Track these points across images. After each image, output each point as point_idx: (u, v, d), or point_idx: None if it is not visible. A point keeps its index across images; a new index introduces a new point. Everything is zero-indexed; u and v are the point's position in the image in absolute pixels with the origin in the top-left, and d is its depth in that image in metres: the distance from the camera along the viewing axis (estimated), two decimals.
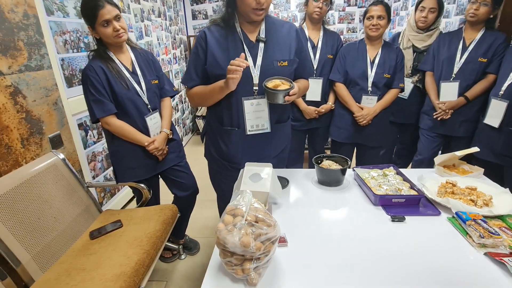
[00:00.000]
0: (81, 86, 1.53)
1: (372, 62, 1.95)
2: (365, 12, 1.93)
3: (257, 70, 1.23)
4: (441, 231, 0.95)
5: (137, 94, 1.54)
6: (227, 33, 1.24)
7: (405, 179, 1.19)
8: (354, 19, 4.16)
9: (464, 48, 1.97)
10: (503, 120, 1.70)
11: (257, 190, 1.03)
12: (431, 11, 2.10)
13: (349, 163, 1.24)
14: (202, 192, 2.01)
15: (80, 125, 2.07)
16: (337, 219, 1.04)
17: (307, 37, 2.03)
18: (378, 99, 1.97)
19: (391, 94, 1.99)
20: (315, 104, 2.11)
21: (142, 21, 2.95)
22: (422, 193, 1.09)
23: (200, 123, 4.53)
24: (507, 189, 1.09)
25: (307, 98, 2.08)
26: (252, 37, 1.25)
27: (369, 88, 1.96)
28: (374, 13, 1.85)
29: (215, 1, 4.26)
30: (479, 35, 1.93)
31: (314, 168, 2.32)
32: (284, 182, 1.26)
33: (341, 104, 2.07)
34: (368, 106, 1.98)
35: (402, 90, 2.06)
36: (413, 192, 1.10)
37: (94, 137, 2.22)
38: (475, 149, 1.27)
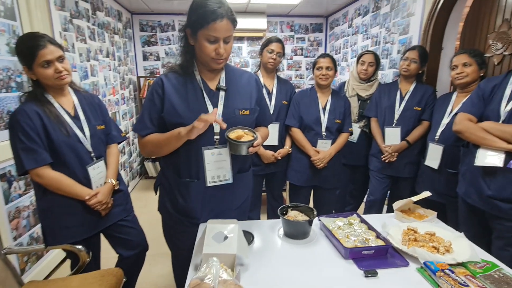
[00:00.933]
0: (6, 131, 1.30)
1: (324, 109, 2.06)
2: (314, 63, 2.08)
3: (218, 119, 1.17)
4: (413, 285, 0.92)
5: (79, 141, 1.36)
6: (186, 80, 1.18)
7: (370, 227, 1.19)
8: (301, 66, 4.50)
9: (401, 98, 2.20)
10: (441, 162, 1.87)
11: (223, 253, 0.92)
12: (370, 64, 2.35)
13: (315, 213, 1.20)
14: (153, 246, 1.78)
15: (3, 176, 1.75)
16: (310, 277, 0.96)
17: (263, 84, 2.09)
18: (332, 143, 2.06)
19: (342, 138, 2.10)
20: (272, 148, 2.11)
21: (88, 60, 2.78)
22: (389, 242, 1.08)
23: (149, 166, 4.24)
24: (462, 233, 1.14)
25: (265, 143, 2.07)
26: (212, 85, 1.21)
27: (323, 133, 2.04)
28: (323, 64, 1.99)
29: (167, 44, 4.27)
30: (412, 87, 2.18)
31: (271, 212, 2.26)
32: (249, 237, 1.16)
33: (298, 148, 2.11)
34: (323, 150, 2.04)
35: (351, 133, 2.19)
36: (380, 242, 1.08)
37: (20, 189, 1.88)
38: (427, 193, 1.33)
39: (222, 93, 1.20)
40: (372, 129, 2.33)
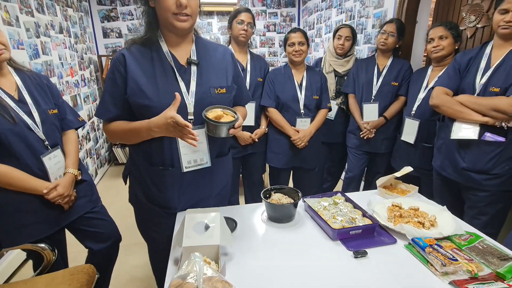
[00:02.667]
0: None
1: (300, 86, 1.99)
2: (286, 39, 1.97)
3: (191, 97, 1.05)
4: (402, 262, 0.91)
5: (28, 128, 1.18)
6: (152, 54, 1.04)
7: (355, 206, 1.16)
8: (274, 43, 4.36)
9: (379, 73, 2.17)
10: (417, 137, 1.89)
11: (206, 244, 0.84)
12: (347, 39, 2.28)
13: (299, 194, 1.15)
14: (127, 236, 1.67)
15: None
16: (299, 262, 0.91)
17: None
18: (311, 121, 2.01)
19: (321, 115, 2.05)
20: (249, 128, 2.02)
21: (38, 37, 2.46)
22: (376, 220, 1.06)
23: (119, 152, 4.00)
24: (445, 206, 1.15)
25: None
26: (182, 60, 1.07)
27: (302, 111, 1.98)
28: (295, 39, 1.90)
29: (130, 20, 3.92)
30: (389, 61, 2.16)
31: (250, 197, 2.20)
32: (231, 224, 1.09)
33: (275, 129, 2.04)
34: (303, 128, 1.99)
35: (330, 109, 2.14)
36: (367, 221, 1.06)
37: None
38: (409, 169, 1.33)
39: (194, 68, 1.07)
40: (350, 106, 2.31)
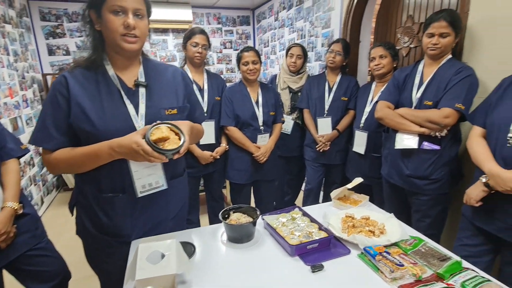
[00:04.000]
0: None
1: (257, 103, 2.04)
2: (239, 58, 2.03)
3: (141, 120, 1.03)
4: (356, 271, 0.96)
5: None
6: (97, 78, 1.00)
7: (312, 219, 1.20)
8: (231, 60, 4.44)
9: (330, 89, 2.31)
10: (366, 148, 2.03)
11: (161, 275, 0.81)
12: (298, 57, 2.41)
13: (258, 212, 1.16)
14: (78, 270, 1.54)
15: None
16: (258, 282, 0.91)
17: (192, 80, 1.96)
18: (269, 136, 2.06)
19: (277, 129, 2.13)
20: (209, 146, 2.01)
21: None
22: (331, 233, 1.10)
23: (68, 177, 3.71)
24: (392, 214, 1.23)
25: (202, 142, 1.96)
26: (129, 82, 1.05)
27: (261, 127, 2.03)
28: (248, 59, 1.96)
29: (78, 36, 3.74)
30: (338, 78, 2.31)
31: (212, 213, 2.17)
32: (189, 249, 1.06)
33: (236, 147, 2.05)
34: (263, 144, 2.03)
35: (283, 122, 2.22)
36: (323, 234, 1.10)
37: None
38: (359, 180, 1.41)
39: (142, 91, 1.05)
40: (305, 120, 2.41)
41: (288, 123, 2.46)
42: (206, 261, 1.03)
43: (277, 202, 2.87)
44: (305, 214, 1.25)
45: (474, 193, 1.26)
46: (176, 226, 1.21)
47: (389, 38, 2.27)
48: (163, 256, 0.86)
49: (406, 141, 1.59)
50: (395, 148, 1.63)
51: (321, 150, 2.29)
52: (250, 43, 4.42)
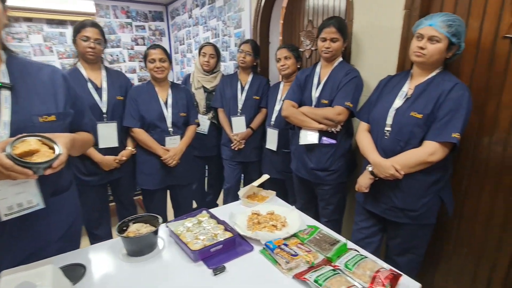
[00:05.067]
0: None
1: (166, 103, 1.94)
2: (145, 55, 1.91)
3: (6, 129, 0.86)
4: (258, 267, 0.98)
5: None
6: None
7: (219, 221, 1.19)
8: None
9: (242, 88, 2.34)
10: (278, 144, 2.13)
11: None
12: (211, 56, 2.39)
13: (159, 220, 1.10)
14: None
15: None
16: None
17: (86, 78, 1.75)
18: (181, 138, 1.98)
19: (190, 131, 2.05)
20: (113, 151, 1.83)
21: None
22: (236, 232, 1.11)
23: None
24: (293, 207, 1.31)
25: (102, 146, 1.77)
26: None
27: (170, 129, 1.93)
28: (155, 56, 1.86)
29: None
30: (250, 78, 2.36)
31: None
32: (78, 272, 0.94)
33: (144, 150, 1.92)
34: (173, 146, 1.94)
35: (198, 125, 2.16)
36: (228, 234, 1.10)
37: None
38: (266, 176, 1.47)
39: (6, 93, 0.88)
40: (220, 120, 2.40)
41: (204, 123, 2.43)
42: (101, 281, 0.93)
43: (198, 204, 2.82)
44: (212, 216, 1.24)
45: (363, 181, 1.42)
46: (66, 247, 1.07)
47: (295, 40, 2.42)
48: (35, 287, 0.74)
49: (309, 137, 1.72)
50: (300, 144, 1.75)
51: (236, 149, 2.32)
52: (165, 40, 4.21)
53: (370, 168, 1.38)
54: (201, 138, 2.42)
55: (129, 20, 3.92)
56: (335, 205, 1.80)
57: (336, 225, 1.90)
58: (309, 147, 1.74)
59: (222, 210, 1.33)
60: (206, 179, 2.79)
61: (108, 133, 1.77)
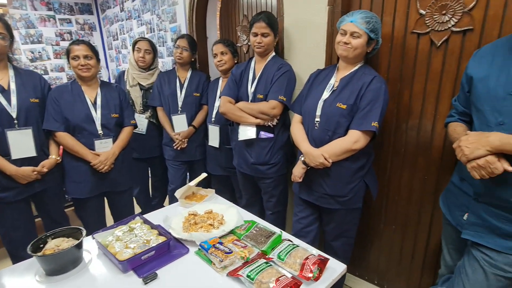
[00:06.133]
0: None
1: (94, 104, 1.79)
2: (68, 51, 1.74)
3: None
4: (192, 270, 0.96)
5: None
6: None
7: (153, 226, 1.14)
8: None
9: (181, 85, 2.26)
10: (220, 141, 2.11)
11: None
12: (147, 52, 2.26)
13: (83, 233, 1.01)
14: None
15: None
16: None
17: None
18: (113, 141, 1.85)
19: (125, 133, 1.91)
20: (31, 161, 1.63)
21: None
22: (169, 236, 1.07)
23: None
24: (231, 203, 1.31)
25: (15, 156, 1.57)
26: None
27: (100, 132, 1.79)
28: (79, 53, 1.70)
29: None
30: (189, 74, 2.29)
31: None
32: None
33: (71, 156, 1.75)
34: (105, 151, 1.80)
35: (136, 126, 2.03)
36: (162, 239, 1.06)
37: None
38: (204, 175, 1.44)
39: None
40: (159, 119, 2.30)
41: (142, 123, 2.30)
42: None
43: (143, 209, 2.68)
44: (146, 221, 1.18)
45: (297, 170, 1.48)
46: None
47: (232, 35, 2.40)
48: None
49: (247, 132, 1.73)
50: (239, 139, 1.75)
51: (179, 148, 2.24)
52: (96, 35, 3.88)
53: (302, 158, 1.43)
54: (140, 139, 2.29)
55: (51, 13, 3.52)
56: (277, 197, 1.85)
57: (280, 216, 1.95)
58: (248, 142, 1.75)
59: (158, 214, 1.27)
60: (150, 181, 2.67)
61: (22, 142, 1.57)
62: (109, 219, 2.06)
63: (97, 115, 1.78)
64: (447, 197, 1.19)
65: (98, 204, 1.90)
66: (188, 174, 2.48)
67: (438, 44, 1.32)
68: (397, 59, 1.47)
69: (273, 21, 1.65)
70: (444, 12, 1.27)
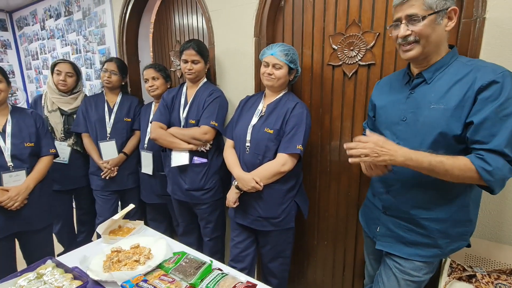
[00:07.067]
0: None
1: (3, 132, 1.59)
2: None
3: None
4: None
5: None
6: None
7: (67, 269, 1.02)
8: None
9: (110, 110, 2.14)
10: (154, 167, 2.02)
11: None
12: (68, 75, 2.11)
13: None
14: None
15: None
16: None
17: None
18: (28, 173, 1.64)
19: (42, 163, 1.70)
20: None
21: None
22: (86, 279, 0.97)
23: None
24: (161, 234, 1.25)
25: None
26: None
27: (10, 164, 1.58)
28: None
29: None
30: (118, 98, 2.18)
31: None
32: None
33: None
34: (15, 185, 1.58)
35: (56, 155, 1.83)
36: (77, 283, 0.95)
37: None
38: (130, 206, 1.36)
39: None
40: (85, 146, 2.12)
41: (64, 151, 2.10)
42: None
43: (67, 247, 2.39)
44: (59, 264, 1.05)
45: (231, 195, 1.49)
46: None
47: (166, 58, 2.38)
48: None
49: (180, 158, 1.69)
50: (172, 165, 1.71)
51: (107, 177, 2.08)
52: (11, 53, 3.48)
53: (235, 183, 1.45)
54: (62, 169, 2.08)
55: None
56: (214, 222, 1.82)
57: (219, 242, 1.92)
58: (182, 168, 1.71)
59: (78, 253, 1.15)
60: (75, 215, 2.41)
61: None
62: (22, 264, 1.78)
63: (6, 146, 1.57)
64: (364, 211, 1.31)
65: (6, 247, 1.63)
66: (120, 204, 2.31)
67: (349, 75, 1.50)
68: (317, 87, 1.62)
69: (202, 49, 1.69)
70: (352, 48, 1.46)
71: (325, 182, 1.72)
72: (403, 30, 0.95)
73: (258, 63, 1.68)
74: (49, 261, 1.07)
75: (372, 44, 1.41)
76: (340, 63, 1.51)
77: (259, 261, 1.69)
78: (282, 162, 1.37)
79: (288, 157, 1.38)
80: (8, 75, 1.72)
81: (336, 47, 1.50)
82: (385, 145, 0.93)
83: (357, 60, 1.46)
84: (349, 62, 1.48)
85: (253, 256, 1.61)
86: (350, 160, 0.98)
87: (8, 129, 1.62)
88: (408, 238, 1.07)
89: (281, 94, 1.49)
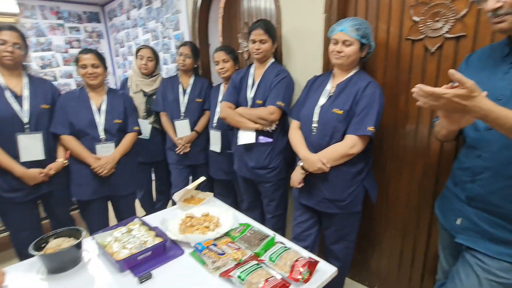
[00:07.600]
0: None
1: (99, 109, 1.85)
2: (77, 60, 1.80)
3: None
4: (186, 270, 0.99)
5: None
6: None
7: (151, 227, 1.18)
8: None
9: (184, 91, 2.31)
10: (222, 146, 2.14)
11: None
12: (149, 59, 2.32)
13: (82, 233, 1.05)
14: None
15: None
16: None
17: (3, 85, 1.61)
18: (116, 145, 1.90)
19: (128, 138, 1.96)
20: (39, 164, 1.70)
21: None
22: (166, 237, 1.10)
23: None
24: (229, 206, 1.34)
25: (24, 159, 1.64)
26: None
27: (102, 136, 1.84)
28: (87, 61, 1.76)
29: None
30: (191, 80, 2.34)
31: None
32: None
33: (76, 159, 1.81)
34: (106, 155, 1.85)
35: (139, 133, 2.08)
36: (158, 240, 1.09)
37: None
38: (202, 179, 1.48)
39: None
40: (163, 124, 2.35)
41: (145, 128, 2.35)
42: None
43: (147, 212, 2.72)
44: (144, 223, 1.21)
45: (296, 176, 1.49)
46: None
47: (234, 41, 2.45)
48: None
49: (246, 137, 1.76)
50: (238, 144, 1.78)
51: (181, 153, 2.28)
52: (103, 42, 3.99)
53: (300, 163, 1.45)
54: (144, 144, 2.34)
55: (60, 21, 3.63)
56: (277, 200, 1.87)
57: (281, 220, 1.97)
58: (248, 147, 1.78)
59: (158, 216, 1.31)
60: (154, 185, 2.72)
61: (31, 145, 1.64)
62: (113, 221, 2.10)
63: (100, 120, 1.84)
64: (442, 202, 1.19)
65: (101, 207, 1.95)
66: (191, 177, 2.52)
67: (432, 50, 1.34)
68: (393, 64, 1.49)
69: (270, 28, 1.69)
70: (437, 19, 1.29)
71: (397, 168, 1.60)
72: (492, 1, 0.80)
73: (327, 42, 1.61)
74: (136, 219, 1.24)
75: (463, 12, 1.22)
76: (421, 36, 1.36)
77: (322, 243, 1.69)
78: (351, 144, 1.32)
79: (358, 139, 1.32)
80: None
81: (417, 19, 1.35)
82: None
83: (443, 32, 1.29)
84: (433, 35, 1.32)
85: (315, 236, 1.61)
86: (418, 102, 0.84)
87: (104, 107, 1.88)
88: (496, 234, 0.95)
89: (351, 73, 1.41)
